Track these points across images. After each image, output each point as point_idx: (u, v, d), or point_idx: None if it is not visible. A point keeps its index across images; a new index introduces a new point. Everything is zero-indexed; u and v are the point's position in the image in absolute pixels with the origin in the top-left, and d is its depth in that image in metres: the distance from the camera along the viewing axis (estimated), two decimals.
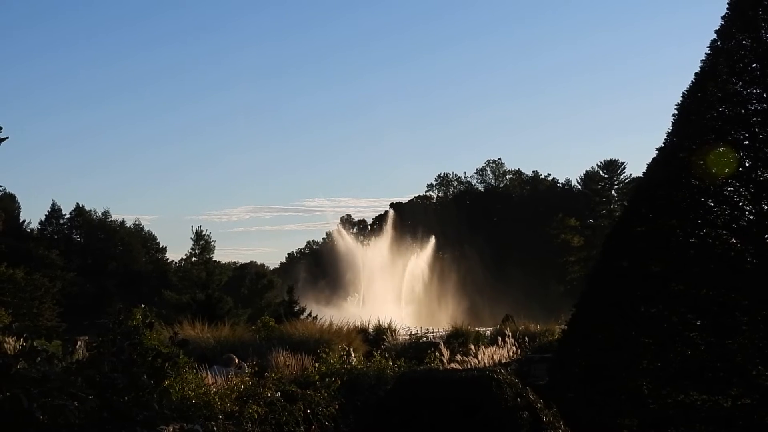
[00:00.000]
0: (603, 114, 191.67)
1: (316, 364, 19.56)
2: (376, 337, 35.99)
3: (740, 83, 13.65)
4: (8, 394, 6.41)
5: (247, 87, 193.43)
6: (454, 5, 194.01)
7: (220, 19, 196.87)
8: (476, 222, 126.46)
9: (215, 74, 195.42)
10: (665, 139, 14.04)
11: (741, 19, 13.70)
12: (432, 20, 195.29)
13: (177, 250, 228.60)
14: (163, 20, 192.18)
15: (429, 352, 26.50)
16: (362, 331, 36.31)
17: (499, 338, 29.64)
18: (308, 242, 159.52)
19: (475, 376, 11.63)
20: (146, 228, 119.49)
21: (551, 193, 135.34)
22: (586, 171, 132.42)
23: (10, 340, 25.37)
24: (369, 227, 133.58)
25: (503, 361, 26.20)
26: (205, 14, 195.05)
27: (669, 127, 14.06)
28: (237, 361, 21.58)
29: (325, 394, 16.05)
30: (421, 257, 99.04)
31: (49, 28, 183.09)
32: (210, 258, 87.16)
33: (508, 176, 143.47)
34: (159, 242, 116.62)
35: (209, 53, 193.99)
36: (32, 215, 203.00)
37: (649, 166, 14.29)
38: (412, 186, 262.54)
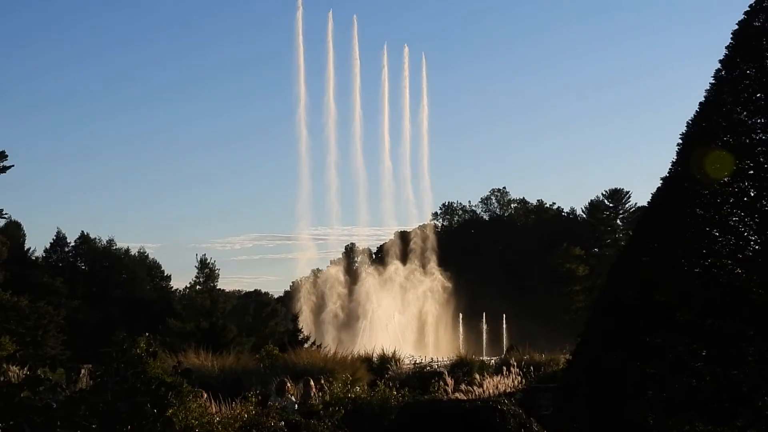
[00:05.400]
0: (608, 143, 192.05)
1: (320, 393, 19.51)
2: (380, 366, 35.96)
3: (745, 113, 13.66)
4: (11, 423, 6.40)
5: (254, 104, 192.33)
6: (458, 24, 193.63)
7: (225, 38, 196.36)
8: (481, 251, 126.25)
9: (221, 95, 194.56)
10: (670, 169, 14.06)
11: (745, 49, 13.75)
12: (436, 40, 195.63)
13: (181, 278, 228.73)
14: (166, 40, 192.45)
15: (433, 381, 26.45)
16: (366, 360, 36.32)
17: (504, 368, 29.59)
18: (312, 270, 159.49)
19: (479, 406, 11.59)
20: (150, 256, 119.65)
21: (556, 222, 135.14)
22: (591, 200, 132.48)
23: (14, 368, 25.42)
24: (374, 256, 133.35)
25: (508, 390, 26.12)
26: (209, 32, 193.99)
27: (674, 156, 14.11)
28: (289, 386, 20.74)
29: (329, 424, 15.99)
30: (426, 286, 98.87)
31: (52, 46, 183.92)
32: (214, 286, 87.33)
33: (512, 205, 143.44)
34: (163, 270, 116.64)
35: (214, 71, 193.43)
36: (37, 243, 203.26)
37: (654, 196, 14.29)
38: (417, 215, 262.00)
